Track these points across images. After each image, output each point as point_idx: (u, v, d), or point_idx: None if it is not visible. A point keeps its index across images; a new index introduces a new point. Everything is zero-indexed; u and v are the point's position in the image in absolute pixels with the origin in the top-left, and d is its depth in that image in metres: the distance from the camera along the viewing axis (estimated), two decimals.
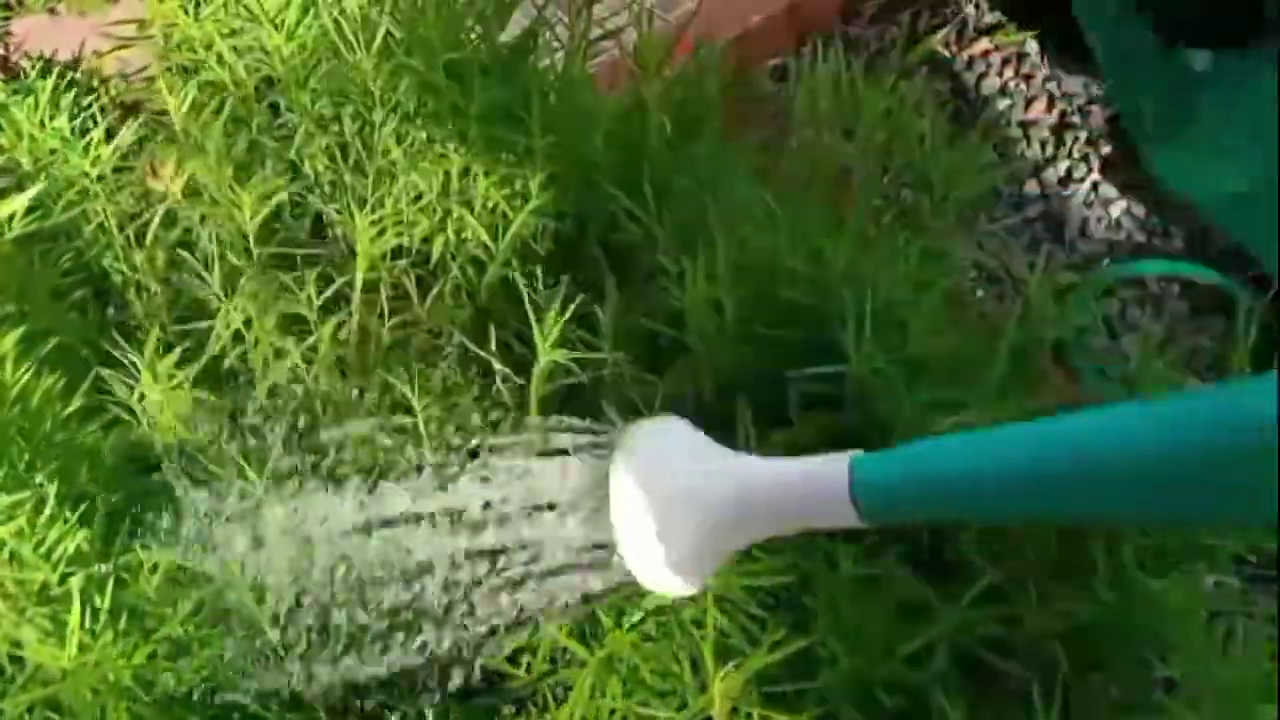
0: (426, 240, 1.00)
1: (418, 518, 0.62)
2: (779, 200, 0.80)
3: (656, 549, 0.50)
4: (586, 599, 0.56)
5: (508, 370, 0.80)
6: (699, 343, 0.78)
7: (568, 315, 0.78)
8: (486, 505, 0.59)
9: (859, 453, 0.49)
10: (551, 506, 0.56)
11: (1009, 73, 1.49)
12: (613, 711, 0.68)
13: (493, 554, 0.58)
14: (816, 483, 0.50)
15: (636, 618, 0.67)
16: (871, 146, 0.83)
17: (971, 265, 1.32)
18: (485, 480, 0.59)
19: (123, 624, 0.73)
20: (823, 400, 0.78)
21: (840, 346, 0.76)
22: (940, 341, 0.74)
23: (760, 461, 0.52)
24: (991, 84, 1.50)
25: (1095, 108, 1.45)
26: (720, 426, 0.79)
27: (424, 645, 0.85)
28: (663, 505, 0.50)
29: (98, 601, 0.73)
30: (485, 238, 0.96)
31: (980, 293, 1.26)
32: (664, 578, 0.51)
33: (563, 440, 0.57)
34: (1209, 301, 1.26)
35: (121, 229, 1.08)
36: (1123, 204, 1.36)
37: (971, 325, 0.83)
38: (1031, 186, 1.40)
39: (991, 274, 1.30)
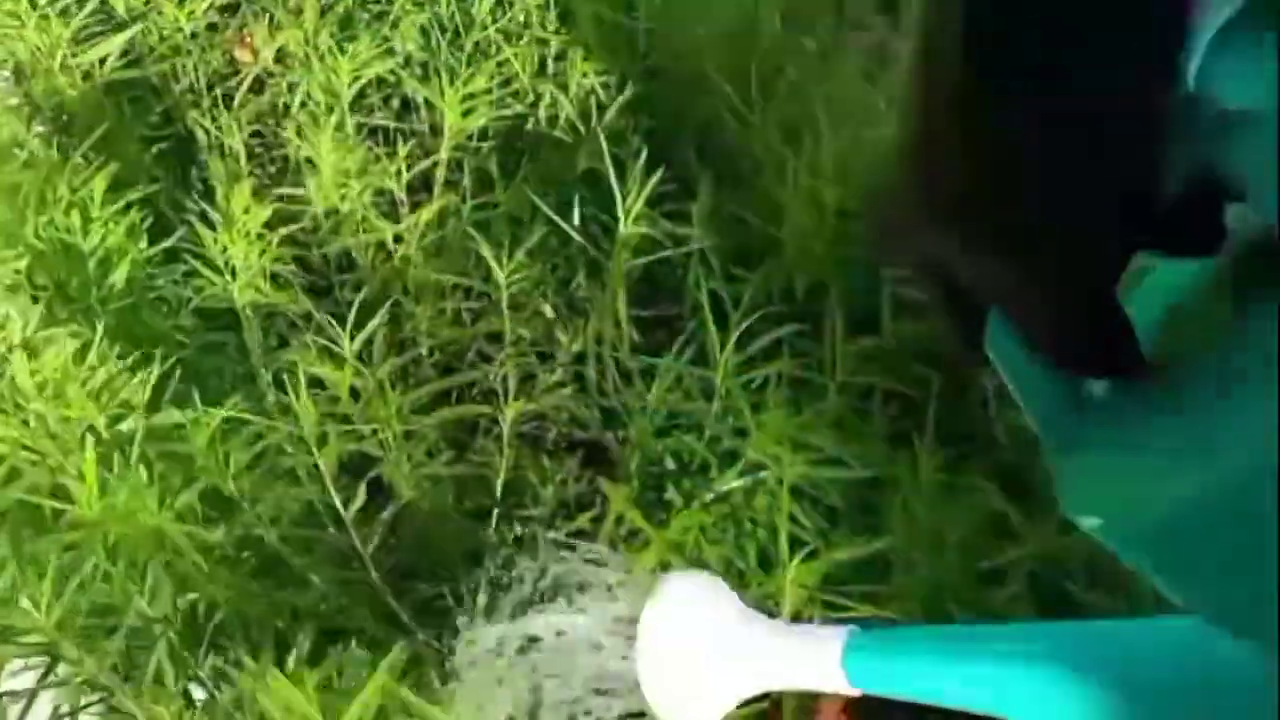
0: (516, 121, 0.98)
1: None
2: (889, 96, 0.77)
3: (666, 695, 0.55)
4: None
5: (586, 243, 0.78)
6: (794, 238, 0.76)
7: (650, 192, 0.77)
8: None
9: (855, 629, 0.51)
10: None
11: None
12: None
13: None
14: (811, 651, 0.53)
15: (708, 498, 0.66)
16: None
17: None
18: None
19: (164, 472, 0.72)
20: (921, 307, 0.75)
21: None
22: None
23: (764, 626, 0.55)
24: None
25: None
26: (809, 326, 0.77)
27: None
28: (687, 660, 0.55)
29: (144, 450, 0.72)
30: (575, 118, 0.94)
31: None
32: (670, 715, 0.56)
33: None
34: None
35: (210, 89, 1.08)
36: None
37: None
38: None
39: None
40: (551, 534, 0.84)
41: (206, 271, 0.87)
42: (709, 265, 0.81)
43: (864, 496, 0.71)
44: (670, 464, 0.74)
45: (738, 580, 0.69)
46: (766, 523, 0.69)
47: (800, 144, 0.78)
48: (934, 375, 0.74)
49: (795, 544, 0.68)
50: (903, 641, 0.51)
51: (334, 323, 0.78)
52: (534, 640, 0.62)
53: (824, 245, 0.77)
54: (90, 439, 0.73)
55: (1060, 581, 0.68)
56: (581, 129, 0.94)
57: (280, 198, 0.94)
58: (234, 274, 0.86)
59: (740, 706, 0.55)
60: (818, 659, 0.52)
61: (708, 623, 0.55)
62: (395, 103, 1.11)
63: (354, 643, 0.78)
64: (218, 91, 1.08)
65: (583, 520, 0.80)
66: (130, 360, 0.81)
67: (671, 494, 0.69)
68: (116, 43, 0.98)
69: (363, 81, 0.99)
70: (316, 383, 0.80)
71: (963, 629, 0.53)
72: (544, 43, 0.97)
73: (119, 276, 0.85)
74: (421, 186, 0.99)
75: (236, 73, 1.11)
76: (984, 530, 0.69)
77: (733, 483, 0.67)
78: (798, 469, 0.65)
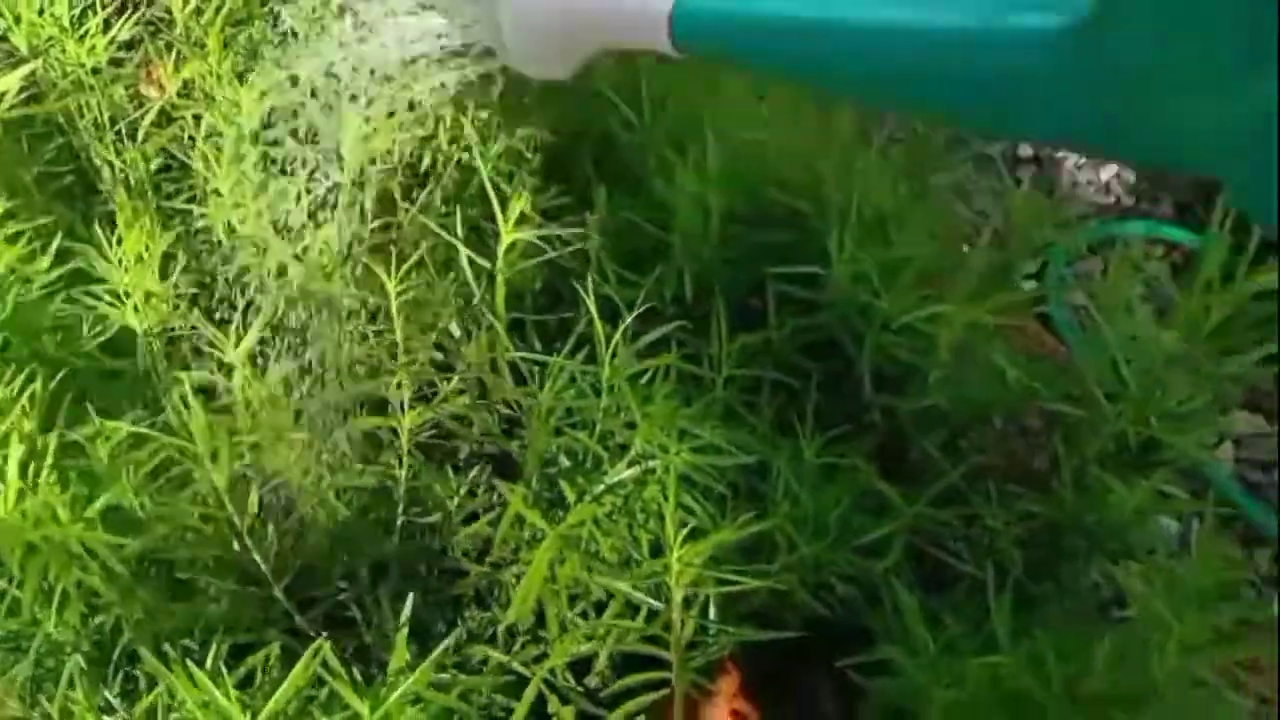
0: (418, 145, 1.00)
1: None
2: (774, 106, 0.81)
3: (522, 37, 0.61)
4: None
5: (480, 257, 0.80)
6: (683, 241, 0.78)
7: (541, 202, 0.79)
8: None
9: None
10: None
11: None
12: (571, 584, 0.68)
13: None
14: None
15: (599, 490, 0.67)
16: None
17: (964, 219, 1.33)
18: None
19: (72, 485, 0.72)
20: (801, 303, 0.78)
21: (823, 252, 0.76)
22: (921, 247, 0.75)
23: None
24: None
25: None
26: (697, 325, 0.80)
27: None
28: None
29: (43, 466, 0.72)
30: (476, 141, 0.96)
31: (965, 248, 1.26)
32: (528, 62, 0.63)
33: None
34: (1191, 265, 1.27)
35: (114, 124, 1.09)
36: (1113, 169, 1.37)
37: (955, 240, 0.83)
38: (1025, 149, 1.41)
39: (980, 232, 1.31)
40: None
41: (107, 299, 0.88)
42: (604, 272, 0.83)
43: (751, 484, 0.73)
44: (565, 461, 0.76)
45: (630, 567, 0.71)
46: (657, 511, 0.70)
47: (687, 152, 0.81)
48: (815, 367, 0.77)
49: (685, 529, 0.69)
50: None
51: (226, 339, 0.79)
52: None
53: (710, 248, 0.80)
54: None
55: (936, 553, 0.71)
56: (481, 148, 0.97)
57: (184, 225, 0.95)
58: (135, 302, 0.86)
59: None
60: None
61: None
62: (301, 131, 1.12)
63: (271, 650, 0.78)
64: (122, 126, 1.09)
65: (482, 524, 0.82)
66: (30, 387, 0.81)
67: (561, 488, 0.70)
68: (14, 79, 0.99)
69: (264, 110, 1.01)
70: (219, 404, 0.81)
71: None
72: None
73: (9, 303, 0.85)
74: (323, 212, 1.01)
75: (141, 107, 1.12)
76: (862, 508, 0.72)
77: (622, 474, 0.69)
78: (684, 457, 0.67)
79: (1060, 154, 1.39)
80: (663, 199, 0.83)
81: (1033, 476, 0.73)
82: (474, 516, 0.87)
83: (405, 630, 0.64)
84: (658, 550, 0.71)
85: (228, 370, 0.76)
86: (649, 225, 0.82)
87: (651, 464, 0.69)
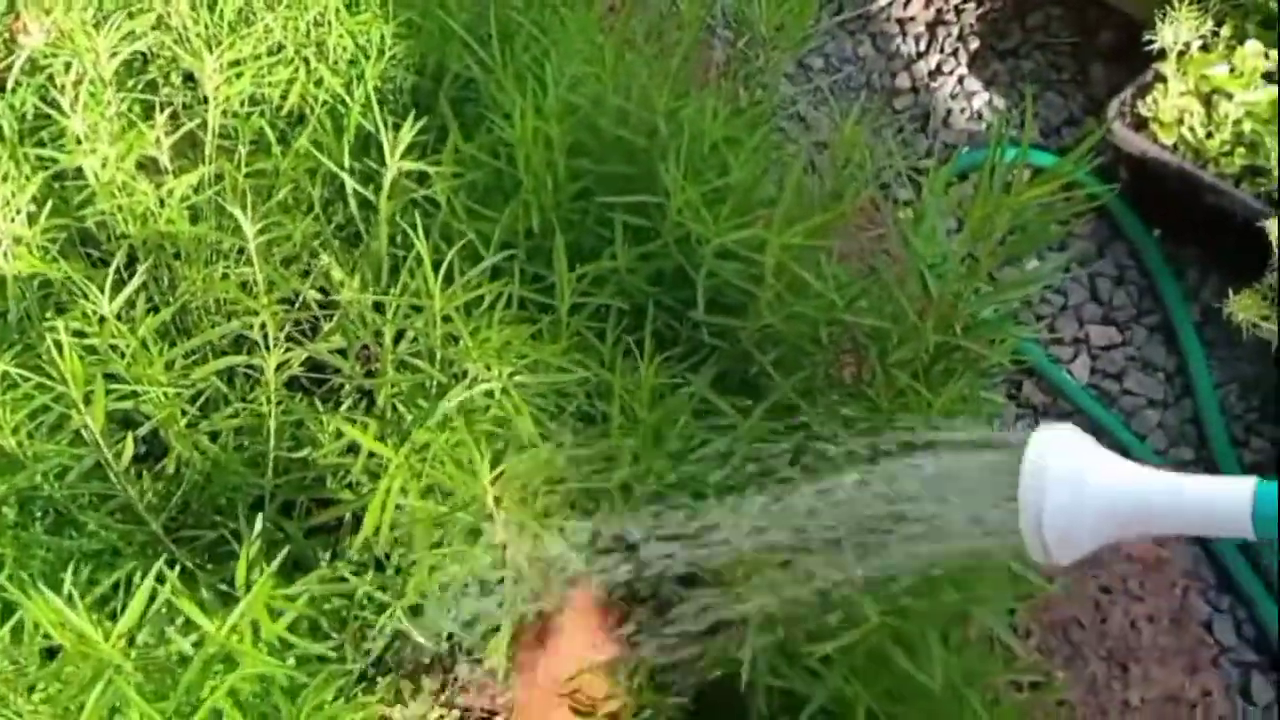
0: (285, 87, 1.01)
1: None
2: (615, 47, 0.83)
3: (1058, 524, 0.57)
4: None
5: (358, 186, 0.82)
6: (529, 176, 0.81)
7: (407, 142, 0.81)
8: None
9: (1264, 482, 0.54)
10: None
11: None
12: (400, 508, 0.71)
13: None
14: (1219, 504, 0.55)
15: (438, 416, 0.71)
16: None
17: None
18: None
19: None
20: (645, 233, 0.82)
21: (661, 184, 0.80)
22: (755, 182, 0.78)
23: (1163, 476, 0.58)
24: None
25: (969, 6, 1.50)
26: (546, 257, 0.83)
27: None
28: (1072, 490, 0.57)
29: None
30: (340, 89, 0.98)
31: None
32: (1055, 551, 0.58)
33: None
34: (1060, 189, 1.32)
35: None
36: (985, 96, 1.41)
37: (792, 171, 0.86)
38: (903, 80, 1.44)
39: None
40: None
41: None
42: (454, 208, 0.86)
43: (596, 407, 0.77)
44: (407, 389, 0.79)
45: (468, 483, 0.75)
46: (504, 434, 0.74)
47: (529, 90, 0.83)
48: (657, 293, 0.81)
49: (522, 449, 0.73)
50: None
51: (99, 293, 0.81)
52: None
53: (554, 181, 0.83)
54: None
55: (769, 461, 0.75)
56: (345, 91, 0.98)
57: (51, 171, 0.96)
58: (5, 249, 0.88)
59: None
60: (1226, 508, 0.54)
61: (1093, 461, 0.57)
62: (176, 77, 1.13)
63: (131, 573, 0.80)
64: None
65: (341, 457, 0.85)
66: None
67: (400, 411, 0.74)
68: None
69: (130, 53, 1.01)
70: (92, 348, 0.83)
71: None
72: (303, 8, 1.00)
73: None
74: (198, 156, 1.02)
75: (8, 55, 1.12)
76: (708, 427, 0.76)
77: (459, 396, 0.72)
78: (520, 377, 0.71)
79: (936, 84, 1.43)
80: (510, 136, 0.85)
81: (857, 386, 0.78)
82: (350, 449, 0.90)
83: (254, 547, 0.67)
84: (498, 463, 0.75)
85: (99, 320, 0.77)
86: (495, 162, 0.85)
87: (488, 385, 0.72)
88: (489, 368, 0.69)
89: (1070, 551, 0.59)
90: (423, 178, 0.88)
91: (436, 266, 0.79)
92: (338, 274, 1.00)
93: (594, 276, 0.80)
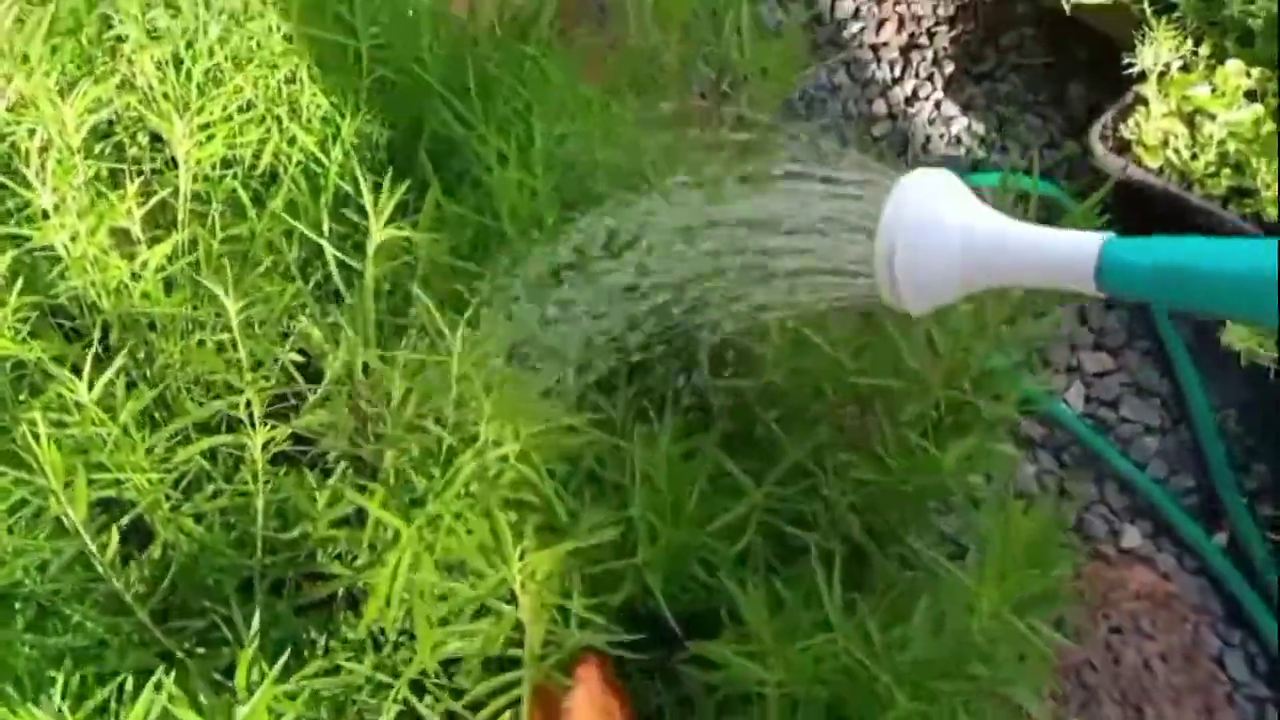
0: (258, 148, 0.98)
1: None
2: (599, 96, 0.81)
3: (912, 268, 0.59)
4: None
5: (339, 253, 0.79)
6: (515, 229, 0.79)
7: (391, 206, 0.79)
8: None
9: (1111, 236, 0.56)
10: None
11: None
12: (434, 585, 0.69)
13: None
14: (1068, 252, 0.57)
15: (453, 491, 0.68)
16: (689, 44, 0.85)
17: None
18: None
19: None
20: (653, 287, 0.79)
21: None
22: None
23: (1022, 224, 0.60)
24: (846, 8, 1.52)
25: (942, 29, 1.49)
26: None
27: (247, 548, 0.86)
28: (928, 232, 0.58)
29: None
30: (314, 149, 0.95)
31: None
32: (909, 295, 0.60)
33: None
34: (1039, 213, 1.31)
35: None
36: (964, 121, 1.41)
37: None
38: (879, 106, 1.43)
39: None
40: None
41: None
42: (438, 265, 0.83)
43: (608, 474, 0.75)
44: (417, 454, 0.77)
45: (492, 561, 0.72)
46: (515, 501, 0.72)
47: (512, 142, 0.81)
48: (664, 351, 0.79)
49: (545, 528, 0.71)
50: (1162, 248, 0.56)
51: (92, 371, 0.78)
52: None
53: (543, 233, 0.80)
54: None
55: (785, 527, 0.73)
56: (320, 149, 0.96)
57: (18, 245, 0.92)
58: None
59: None
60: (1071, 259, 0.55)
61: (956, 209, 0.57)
62: (143, 139, 1.10)
63: (128, 680, 0.78)
64: None
65: (346, 530, 0.82)
66: None
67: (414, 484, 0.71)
68: None
69: (96, 119, 0.98)
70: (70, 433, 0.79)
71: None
72: (273, 67, 0.97)
73: None
74: (169, 222, 0.99)
75: None
76: (717, 491, 0.74)
77: (470, 464, 0.69)
78: (534, 442, 0.68)
79: (913, 109, 1.42)
80: (493, 189, 0.83)
81: (866, 445, 0.76)
82: (344, 521, 0.87)
83: (252, 647, 0.64)
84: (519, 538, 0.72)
85: (78, 408, 0.74)
86: (481, 217, 0.82)
87: (502, 451, 0.70)
88: (503, 430, 0.66)
89: (922, 295, 0.60)
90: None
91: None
92: (318, 337, 0.98)
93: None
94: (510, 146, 0.78)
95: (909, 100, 1.44)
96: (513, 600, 0.69)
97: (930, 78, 1.44)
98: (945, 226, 0.58)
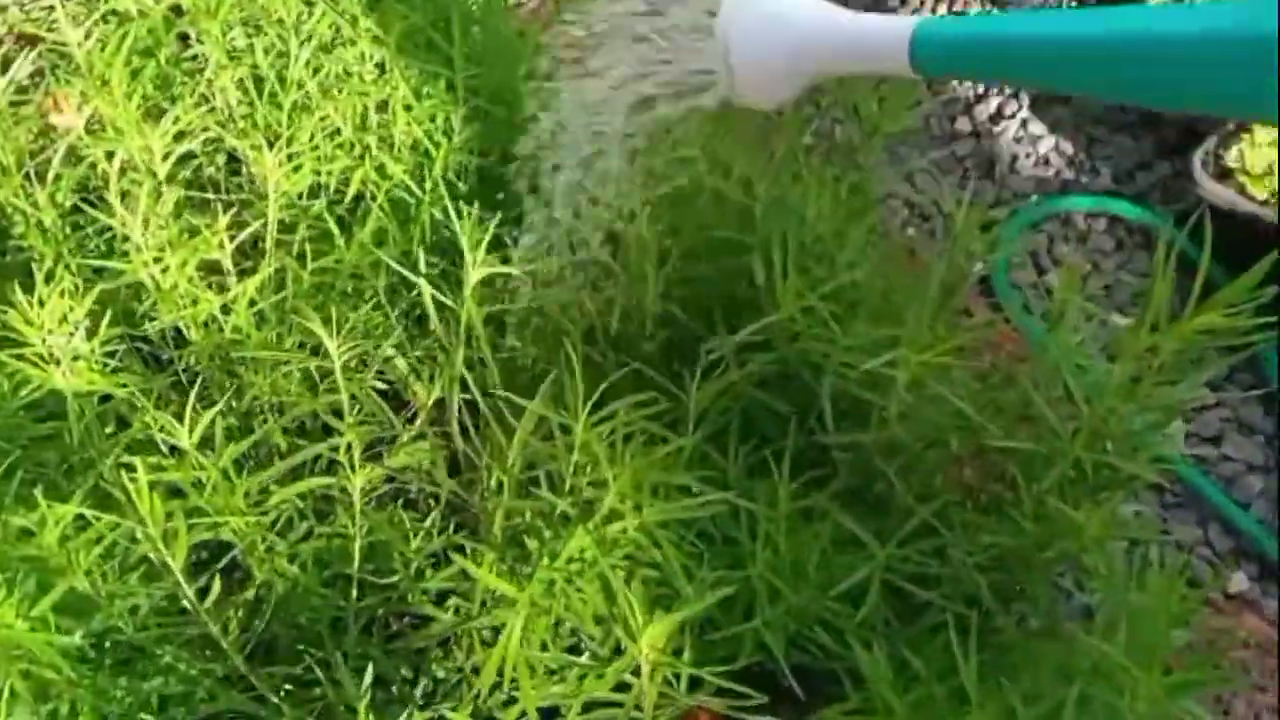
0: (345, 176, 0.96)
1: None
2: (707, 131, 0.78)
3: (747, 61, 0.63)
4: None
5: (439, 294, 0.77)
6: (625, 276, 0.76)
7: (487, 238, 0.77)
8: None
9: (926, 16, 0.60)
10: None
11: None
12: (541, 652, 0.67)
13: None
14: (883, 31, 0.60)
15: (565, 555, 0.66)
16: None
17: (902, 203, 1.32)
18: None
19: (20, 579, 0.70)
20: (759, 344, 0.77)
21: (766, 279, 0.75)
22: (868, 278, 0.73)
23: (846, 11, 0.63)
24: None
25: None
26: (647, 362, 0.78)
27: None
28: (759, 25, 0.63)
29: None
30: (407, 179, 0.93)
31: (911, 230, 1.26)
32: (749, 89, 0.64)
33: None
34: (1134, 237, 1.28)
35: (20, 166, 1.03)
36: (1051, 141, 1.36)
37: (898, 259, 0.82)
38: (963, 123, 1.39)
39: (922, 210, 1.30)
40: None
41: (30, 360, 0.84)
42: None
43: (725, 531, 0.72)
44: (529, 516, 0.74)
45: (605, 632, 0.70)
46: (628, 568, 0.69)
47: None
48: (785, 407, 0.76)
49: (662, 587, 0.69)
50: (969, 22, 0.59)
51: (175, 400, 0.76)
52: None
53: (654, 281, 0.78)
54: None
55: (907, 586, 0.71)
56: (411, 179, 0.93)
57: (102, 278, 0.91)
58: (64, 369, 0.82)
59: None
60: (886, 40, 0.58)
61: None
62: (220, 159, 1.08)
63: None
64: (30, 168, 1.03)
65: (442, 579, 0.80)
66: None
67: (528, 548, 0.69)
68: None
69: (183, 145, 0.96)
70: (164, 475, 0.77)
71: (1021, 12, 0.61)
72: (364, 95, 0.95)
73: None
74: (254, 251, 0.97)
75: (51, 143, 1.06)
76: (837, 550, 0.71)
77: (590, 534, 0.67)
78: (655, 513, 0.66)
79: (998, 128, 1.38)
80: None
81: (994, 503, 0.73)
82: (434, 559, 0.85)
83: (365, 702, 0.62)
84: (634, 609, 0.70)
85: (178, 454, 0.72)
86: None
87: (621, 524, 0.67)
88: (624, 500, 0.64)
89: (761, 88, 0.64)
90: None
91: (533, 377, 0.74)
92: (404, 368, 0.95)
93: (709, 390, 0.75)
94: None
95: (993, 118, 1.40)
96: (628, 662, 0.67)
97: (1015, 95, 1.40)
98: (773, 17, 0.62)
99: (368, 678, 0.74)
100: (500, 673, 0.72)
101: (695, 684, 0.70)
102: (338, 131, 0.97)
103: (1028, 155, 1.36)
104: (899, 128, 0.83)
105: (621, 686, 0.68)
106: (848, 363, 0.72)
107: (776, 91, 0.64)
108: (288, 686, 0.85)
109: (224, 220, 0.89)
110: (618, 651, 0.71)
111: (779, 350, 0.75)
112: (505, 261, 0.84)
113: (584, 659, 0.71)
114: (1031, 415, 0.72)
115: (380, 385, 0.94)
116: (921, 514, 0.70)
